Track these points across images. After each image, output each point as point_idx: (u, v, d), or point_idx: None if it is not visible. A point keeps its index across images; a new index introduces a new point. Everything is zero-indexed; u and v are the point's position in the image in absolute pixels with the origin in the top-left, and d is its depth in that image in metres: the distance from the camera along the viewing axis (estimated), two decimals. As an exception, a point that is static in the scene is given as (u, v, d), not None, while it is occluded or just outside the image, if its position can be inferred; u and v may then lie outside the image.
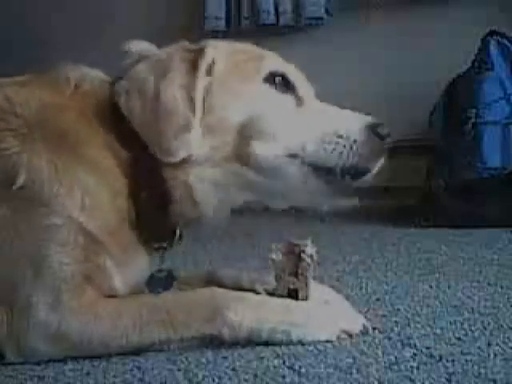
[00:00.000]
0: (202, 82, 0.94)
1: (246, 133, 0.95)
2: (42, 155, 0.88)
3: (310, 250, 0.93)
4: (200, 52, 0.97)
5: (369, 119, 0.98)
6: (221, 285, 1.01)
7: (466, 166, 2.14)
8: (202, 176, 0.95)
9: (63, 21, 3.12)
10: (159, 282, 0.98)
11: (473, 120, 2.14)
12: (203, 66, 0.95)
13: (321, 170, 0.96)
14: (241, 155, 0.95)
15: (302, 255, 0.92)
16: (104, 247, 0.90)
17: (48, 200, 0.87)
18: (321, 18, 2.70)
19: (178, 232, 0.99)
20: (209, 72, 0.97)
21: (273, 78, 0.99)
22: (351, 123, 0.97)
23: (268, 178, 0.96)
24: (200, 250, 1.77)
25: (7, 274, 0.86)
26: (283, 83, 1.00)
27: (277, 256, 0.93)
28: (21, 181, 0.86)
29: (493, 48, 2.21)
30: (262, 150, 0.94)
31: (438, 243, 1.73)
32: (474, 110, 2.14)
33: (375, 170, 0.99)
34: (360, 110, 1.02)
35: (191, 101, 0.92)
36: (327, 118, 0.99)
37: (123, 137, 0.93)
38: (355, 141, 0.95)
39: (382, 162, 0.99)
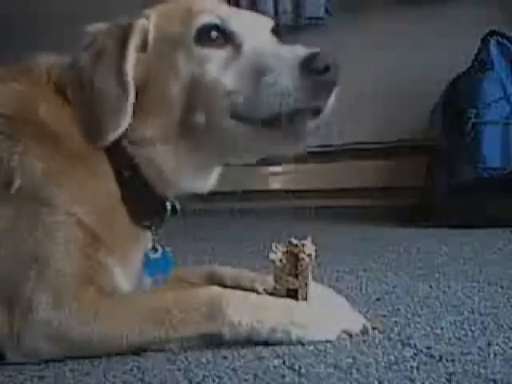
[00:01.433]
0: (130, 61, 0.92)
1: (188, 104, 0.93)
2: (32, 155, 0.89)
3: (310, 249, 0.93)
4: (129, 28, 0.95)
5: (301, 54, 0.91)
6: (221, 284, 1.02)
7: (466, 166, 2.14)
8: (159, 153, 0.95)
9: (64, 8, 3.12)
10: (156, 264, 0.99)
11: (473, 120, 2.14)
12: (132, 45, 0.93)
13: (265, 123, 0.91)
14: (188, 129, 0.94)
15: (302, 255, 0.92)
16: (103, 242, 0.90)
17: (45, 199, 0.88)
18: (321, 18, 2.70)
19: (168, 205, 0.99)
20: (144, 47, 0.95)
21: (207, 34, 0.94)
22: (281, 65, 0.91)
23: (218, 142, 0.95)
24: (200, 249, 1.77)
25: (9, 273, 0.86)
26: (219, 34, 0.95)
27: (276, 256, 0.93)
28: (16, 185, 0.87)
29: (493, 48, 2.22)
30: (204, 119, 0.93)
31: (438, 243, 1.73)
32: (473, 110, 2.15)
33: (327, 107, 0.94)
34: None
35: (123, 84, 0.91)
36: (258, 66, 0.92)
37: None
38: (287, 86, 0.88)
39: (332, 98, 0.94)
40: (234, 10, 1.01)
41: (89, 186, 0.91)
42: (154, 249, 1.00)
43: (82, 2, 3.11)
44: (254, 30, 0.99)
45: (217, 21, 0.95)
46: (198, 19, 0.94)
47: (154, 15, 0.98)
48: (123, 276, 0.94)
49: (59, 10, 3.12)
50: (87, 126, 0.92)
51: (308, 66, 0.89)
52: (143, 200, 0.97)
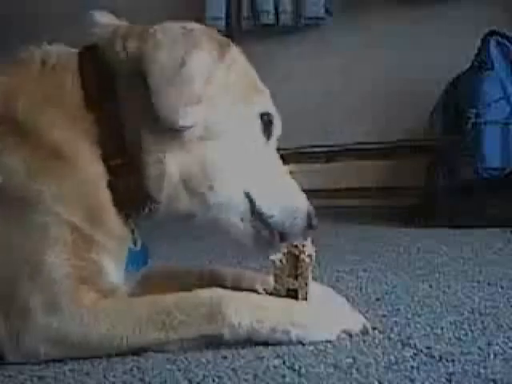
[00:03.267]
0: (221, 72, 0.93)
1: (214, 162, 0.94)
2: (13, 152, 0.87)
3: (310, 250, 0.93)
4: (226, 44, 0.96)
5: (310, 207, 1.01)
6: (221, 285, 1.01)
7: (466, 166, 2.14)
8: (176, 161, 0.92)
9: (63, 8, 3.12)
10: (137, 257, 0.98)
11: (473, 120, 2.14)
12: (228, 59, 0.94)
13: (265, 231, 0.98)
14: (204, 182, 0.94)
15: (302, 255, 0.92)
16: (94, 241, 0.89)
17: (29, 199, 0.86)
18: (321, 18, 2.70)
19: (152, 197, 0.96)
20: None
21: (264, 116, 0.99)
22: (304, 202, 1.01)
23: (214, 216, 0.97)
24: (200, 249, 1.77)
25: (2, 276, 0.85)
26: (267, 124, 0.99)
27: (276, 256, 0.93)
28: None
29: (493, 48, 2.21)
30: (223, 189, 0.95)
31: (438, 243, 1.73)
32: (473, 110, 2.14)
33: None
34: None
35: (208, 83, 0.90)
36: (290, 189, 1.01)
37: (92, 103, 0.92)
38: (301, 218, 0.99)
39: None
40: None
41: (73, 184, 0.88)
42: (134, 241, 0.98)
43: (81, 3, 3.10)
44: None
45: (273, 111, 1.01)
46: (266, 99, 1.00)
47: (240, 54, 0.99)
48: (119, 276, 0.93)
49: (58, 11, 3.12)
50: (162, 98, 0.88)
51: (309, 218, 0.99)
52: (127, 185, 0.93)
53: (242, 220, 0.96)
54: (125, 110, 0.92)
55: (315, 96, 2.75)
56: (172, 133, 0.90)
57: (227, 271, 1.10)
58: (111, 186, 0.92)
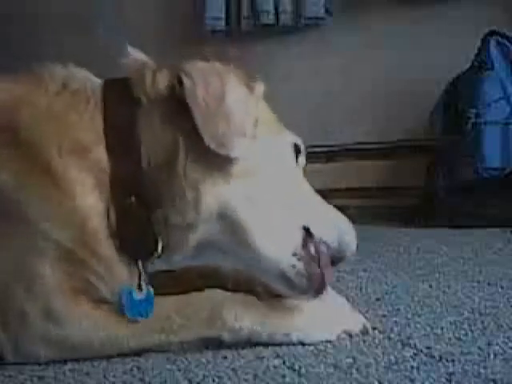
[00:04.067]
0: (253, 104, 0.91)
1: (260, 195, 0.89)
2: (5, 165, 0.85)
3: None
4: (253, 78, 0.95)
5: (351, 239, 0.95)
6: (222, 286, 1.01)
7: (466, 166, 2.14)
8: (216, 192, 0.88)
9: (64, 8, 3.12)
10: (139, 306, 0.87)
11: (473, 120, 2.14)
12: (257, 92, 0.93)
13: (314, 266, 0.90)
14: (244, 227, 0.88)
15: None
16: (83, 262, 0.86)
17: (15, 212, 0.84)
18: (321, 18, 2.70)
19: (160, 243, 0.89)
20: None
21: (294, 146, 0.97)
22: (347, 222, 0.95)
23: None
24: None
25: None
26: (297, 153, 0.98)
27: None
28: None
29: (493, 48, 2.22)
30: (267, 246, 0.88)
31: (438, 243, 1.73)
32: (473, 110, 2.15)
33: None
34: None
35: (248, 114, 0.89)
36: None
37: (112, 140, 0.88)
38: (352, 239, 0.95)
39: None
40: None
41: (62, 208, 0.85)
42: (139, 287, 0.89)
43: (81, 4, 3.11)
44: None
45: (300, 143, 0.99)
46: (289, 133, 0.98)
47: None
48: (110, 293, 0.88)
49: (59, 11, 3.12)
50: (210, 131, 0.86)
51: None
52: (137, 230, 0.88)
53: (294, 255, 0.88)
54: (149, 145, 0.89)
55: (315, 96, 2.75)
56: (215, 164, 0.87)
57: (228, 272, 1.10)
58: (119, 227, 0.87)
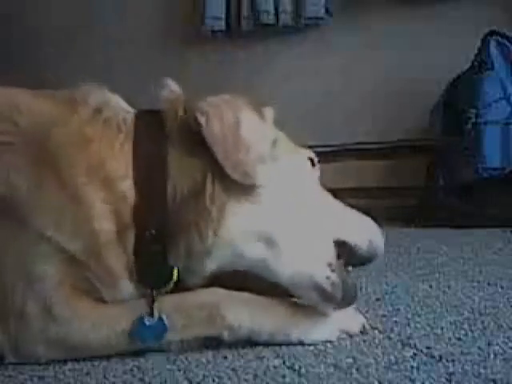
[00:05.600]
0: (266, 128, 0.93)
1: (290, 212, 0.91)
2: (22, 171, 0.85)
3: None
4: (260, 105, 0.95)
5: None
6: (220, 284, 1.01)
7: (466, 166, 2.14)
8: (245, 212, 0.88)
9: (64, 21, 3.12)
10: (149, 333, 0.86)
11: (473, 120, 2.14)
12: (270, 116, 0.95)
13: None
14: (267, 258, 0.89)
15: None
16: (87, 266, 0.86)
17: (24, 216, 0.84)
18: (321, 18, 2.70)
19: (175, 274, 0.89)
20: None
21: (311, 160, 1.00)
22: (372, 223, 0.98)
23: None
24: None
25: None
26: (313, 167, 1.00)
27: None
28: None
29: (493, 48, 2.22)
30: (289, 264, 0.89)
31: (438, 243, 1.73)
32: (473, 110, 2.15)
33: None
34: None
35: (264, 140, 0.91)
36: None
37: (140, 174, 0.88)
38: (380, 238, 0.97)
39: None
40: None
41: (72, 217, 0.85)
42: (151, 314, 0.87)
43: (80, 16, 3.10)
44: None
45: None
46: (303, 149, 1.01)
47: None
48: (111, 297, 0.89)
49: (59, 24, 3.11)
50: (230, 164, 0.86)
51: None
52: (153, 262, 0.88)
53: (328, 265, 0.88)
54: (177, 179, 0.88)
55: (315, 96, 2.75)
56: (242, 190, 0.88)
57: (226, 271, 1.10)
58: (136, 257, 0.88)
